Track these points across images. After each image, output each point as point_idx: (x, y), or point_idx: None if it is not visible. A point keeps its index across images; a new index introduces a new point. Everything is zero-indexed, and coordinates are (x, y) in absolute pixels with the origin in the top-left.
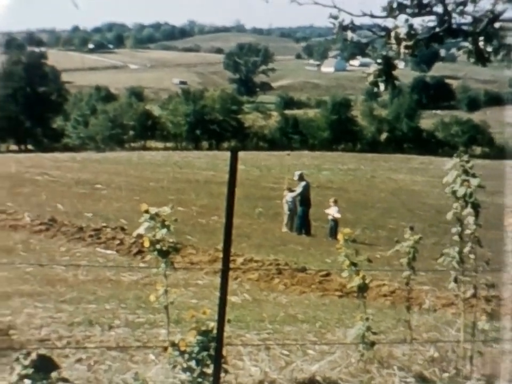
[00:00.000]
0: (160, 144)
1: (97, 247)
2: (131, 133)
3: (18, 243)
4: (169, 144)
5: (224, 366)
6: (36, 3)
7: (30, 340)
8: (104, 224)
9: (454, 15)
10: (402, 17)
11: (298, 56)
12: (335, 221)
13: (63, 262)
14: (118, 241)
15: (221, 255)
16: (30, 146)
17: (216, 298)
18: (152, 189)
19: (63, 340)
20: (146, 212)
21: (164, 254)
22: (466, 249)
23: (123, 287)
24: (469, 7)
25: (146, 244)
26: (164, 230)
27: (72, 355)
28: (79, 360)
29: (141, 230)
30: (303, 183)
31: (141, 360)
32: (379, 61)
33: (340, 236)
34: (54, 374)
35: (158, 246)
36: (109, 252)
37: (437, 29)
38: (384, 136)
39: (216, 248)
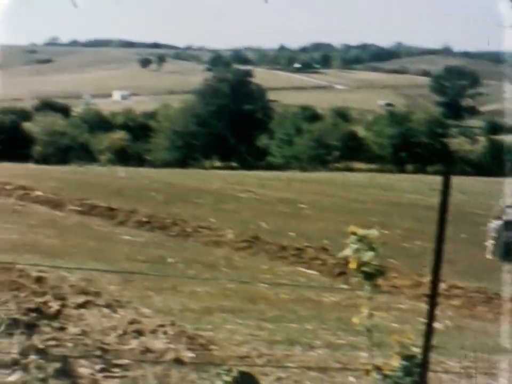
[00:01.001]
0: (364, 166)
1: (299, 266)
2: (335, 153)
3: (221, 259)
4: (373, 166)
5: None
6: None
7: (230, 355)
8: (307, 244)
9: None
10: None
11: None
12: None
13: (265, 280)
14: (320, 262)
15: (424, 280)
16: (234, 164)
17: (418, 323)
18: (355, 210)
19: (263, 357)
20: (354, 233)
21: (369, 276)
22: None
23: (324, 307)
24: None
25: (353, 266)
26: (371, 253)
27: (272, 373)
28: (278, 379)
29: (348, 252)
30: (511, 211)
31: (341, 382)
32: None
33: None
34: None
35: (364, 269)
36: (311, 271)
37: None
38: None
39: (419, 273)
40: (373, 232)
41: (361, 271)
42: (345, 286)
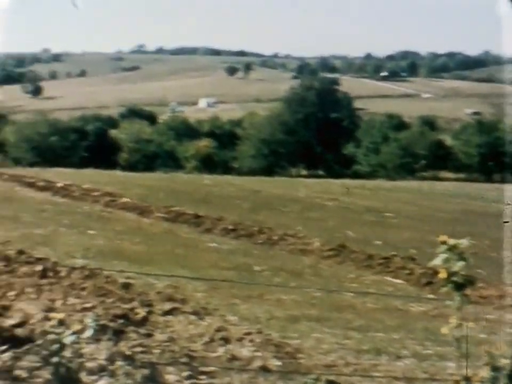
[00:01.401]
0: (451, 175)
1: (386, 275)
2: (422, 162)
3: (307, 267)
4: (460, 175)
5: None
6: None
7: (317, 364)
8: (394, 253)
9: None
10: None
11: None
12: None
13: (351, 289)
14: (407, 271)
15: (510, 290)
16: (320, 172)
17: (506, 334)
18: (442, 220)
19: (350, 367)
20: (444, 243)
21: (459, 287)
22: None
23: (411, 317)
24: None
25: (443, 276)
26: (461, 263)
27: (358, 383)
28: None
29: (437, 261)
30: None
31: None
32: None
33: None
34: None
35: (453, 279)
36: (397, 281)
37: None
38: None
39: (505, 282)
40: (464, 242)
41: (451, 281)
42: (432, 296)
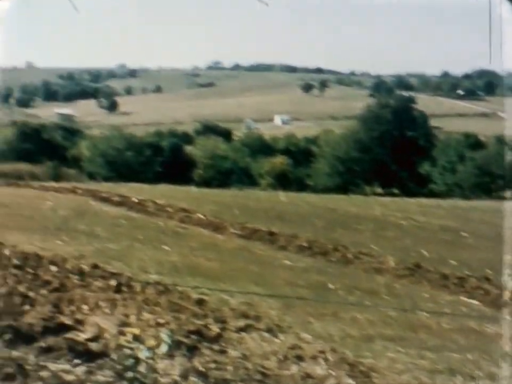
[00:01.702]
0: None
1: (461, 295)
2: (499, 181)
3: (382, 286)
4: None
5: None
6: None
7: None
8: (469, 273)
9: None
10: None
11: None
12: None
13: (426, 308)
14: (482, 291)
15: None
16: (395, 190)
17: None
18: None
19: None
20: None
21: None
22: None
23: (487, 338)
24: None
25: None
26: None
27: None
28: None
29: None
30: None
31: None
32: None
33: None
34: None
35: None
36: (473, 301)
37: None
38: None
39: None
40: None
41: None
42: (509, 318)
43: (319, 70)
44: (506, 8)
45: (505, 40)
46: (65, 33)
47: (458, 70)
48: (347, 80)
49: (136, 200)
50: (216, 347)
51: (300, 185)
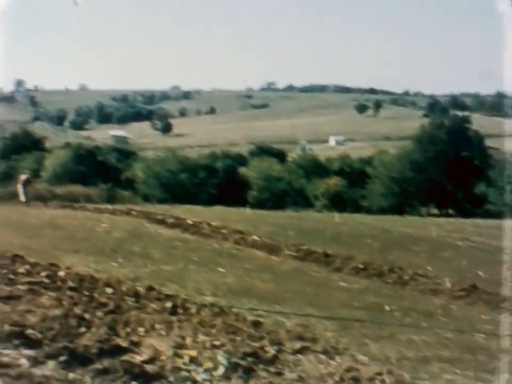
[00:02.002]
0: None
1: None
2: None
3: (438, 307)
4: None
5: None
6: (458, 67)
7: None
8: None
9: None
10: None
11: None
12: None
13: (483, 330)
14: None
15: None
16: (450, 211)
17: None
18: None
19: None
20: None
21: None
22: None
23: None
24: None
25: None
26: None
27: None
28: None
29: None
30: None
31: None
32: None
33: None
34: None
35: None
36: None
37: None
38: None
39: None
40: None
41: None
42: None
43: (373, 91)
44: None
45: None
46: (118, 56)
47: None
48: (401, 100)
49: (191, 222)
50: (272, 369)
51: (354, 206)
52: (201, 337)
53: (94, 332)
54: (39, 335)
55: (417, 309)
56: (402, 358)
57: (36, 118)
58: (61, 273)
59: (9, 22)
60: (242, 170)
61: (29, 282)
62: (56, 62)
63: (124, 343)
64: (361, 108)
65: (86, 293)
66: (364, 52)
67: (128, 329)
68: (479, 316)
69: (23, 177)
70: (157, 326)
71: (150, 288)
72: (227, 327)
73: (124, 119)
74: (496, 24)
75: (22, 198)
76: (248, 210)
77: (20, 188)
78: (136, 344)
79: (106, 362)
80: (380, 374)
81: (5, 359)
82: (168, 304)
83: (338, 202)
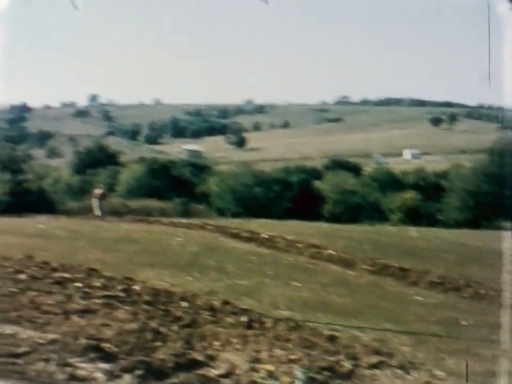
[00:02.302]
0: None
1: None
2: None
3: None
4: None
5: None
6: None
7: None
8: None
9: None
10: None
11: None
12: None
13: None
14: None
15: None
16: None
17: None
18: None
19: None
20: None
21: None
22: None
23: None
24: None
25: None
26: None
27: None
28: None
29: None
30: None
31: None
32: None
33: None
34: None
35: None
36: None
37: None
38: None
39: None
40: None
41: None
42: None
43: (448, 104)
44: None
45: None
46: (192, 70)
47: None
48: (476, 113)
49: (266, 236)
50: None
51: (430, 220)
52: (277, 352)
53: (169, 345)
54: (115, 349)
55: (494, 324)
56: (479, 372)
57: (110, 133)
58: (136, 287)
59: (83, 37)
60: (317, 184)
61: (105, 296)
62: (130, 76)
63: (200, 357)
64: (436, 121)
65: (161, 306)
66: (439, 64)
67: (204, 343)
68: None
69: (98, 191)
70: (233, 340)
71: (226, 302)
72: (303, 341)
73: (198, 133)
74: None
75: (97, 212)
76: (323, 224)
77: (94, 202)
78: (212, 358)
79: (182, 377)
80: None
81: (81, 373)
82: (244, 318)
83: (413, 216)
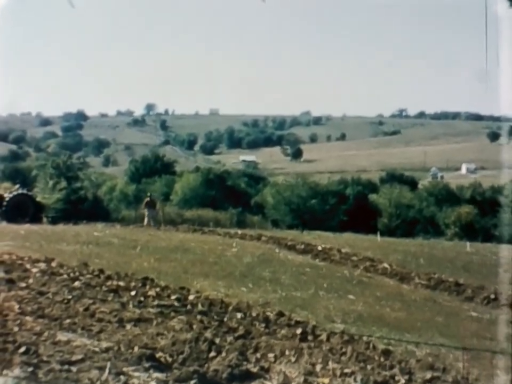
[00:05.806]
0: None
1: None
2: None
3: None
4: None
5: None
6: None
7: None
8: None
9: None
10: None
11: None
12: None
13: None
14: None
15: None
16: None
17: None
18: None
19: None
20: None
21: None
22: None
23: None
24: None
25: None
26: None
27: None
28: None
29: None
30: None
31: None
32: None
33: None
34: None
35: None
36: None
37: None
38: None
39: None
40: None
41: None
42: None
43: (506, 118)
44: None
45: None
46: (249, 81)
47: None
48: None
49: (321, 248)
50: None
51: (486, 236)
52: (331, 365)
53: (224, 356)
54: (169, 359)
55: None
56: None
57: (166, 142)
58: (191, 297)
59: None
60: (373, 197)
61: (159, 305)
62: (187, 86)
63: (254, 369)
64: (493, 136)
65: (216, 317)
66: (496, 79)
67: (258, 355)
68: None
69: (146, 199)
70: (287, 352)
71: (280, 314)
72: (357, 355)
73: (254, 144)
74: None
75: (147, 221)
76: (378, 238)
77: (145, 212)
78: (266, 370)
79: None
80: None
81: (135, 382)
82: (298, 331)
83: (469, 231)
